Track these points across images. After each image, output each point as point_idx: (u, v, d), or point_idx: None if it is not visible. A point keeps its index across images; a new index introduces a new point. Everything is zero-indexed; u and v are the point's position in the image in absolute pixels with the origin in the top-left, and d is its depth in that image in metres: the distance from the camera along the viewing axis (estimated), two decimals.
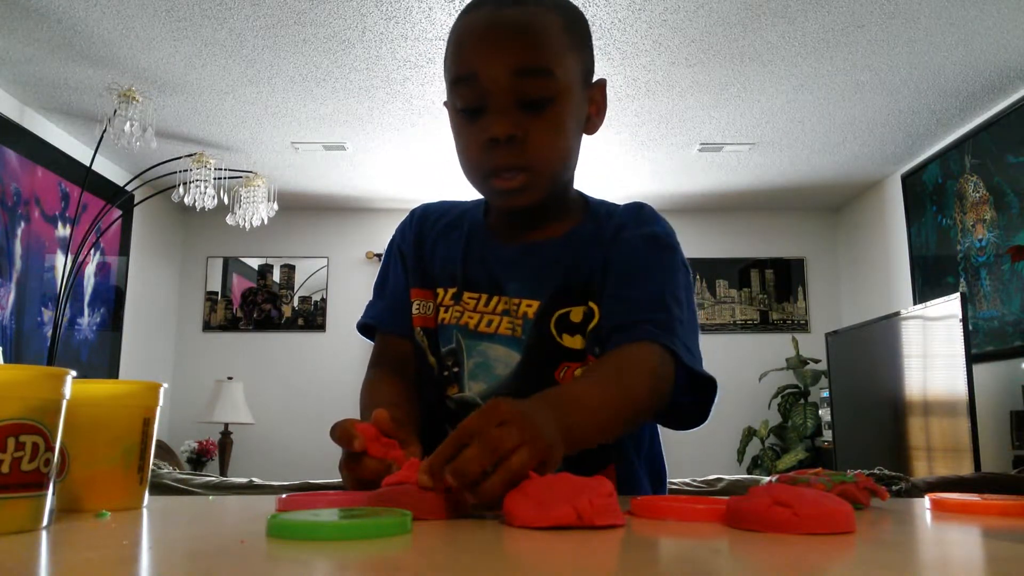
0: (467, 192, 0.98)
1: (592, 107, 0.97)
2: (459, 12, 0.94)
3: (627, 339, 0.89)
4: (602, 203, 1.05)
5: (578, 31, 0.94)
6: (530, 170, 0.90)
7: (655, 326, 0.89)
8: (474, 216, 1.06)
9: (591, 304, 0.95)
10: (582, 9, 2.78)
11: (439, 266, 1.04)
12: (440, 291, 1.02)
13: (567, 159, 0.94)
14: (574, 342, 0.95)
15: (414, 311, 1.03)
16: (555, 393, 0.81)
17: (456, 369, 0.98)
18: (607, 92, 1.00)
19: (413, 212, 1.11)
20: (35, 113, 3.68)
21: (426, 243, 1.06)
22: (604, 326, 0.93)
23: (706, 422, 0.94)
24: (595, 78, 0.99)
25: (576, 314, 0.95)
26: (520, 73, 0.87)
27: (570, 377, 0.95)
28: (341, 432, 0.78)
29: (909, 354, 3.54)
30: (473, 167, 0.93)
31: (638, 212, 1.02)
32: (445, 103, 0.96)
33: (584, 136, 0.99)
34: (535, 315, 0.96)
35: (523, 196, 0.92)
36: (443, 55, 0.95)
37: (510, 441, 0.64)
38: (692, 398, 0.92)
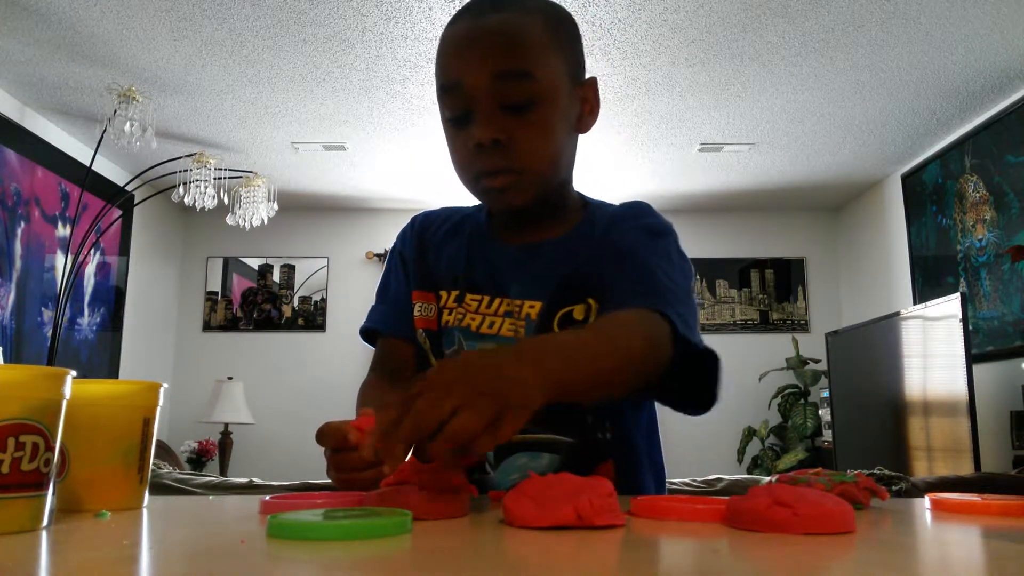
0: (467, 194, 0.99)
1: (585, 106, 0.97)
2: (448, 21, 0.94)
3: (616, 309, 0.86)
4: (601, 204, 1.06)
5: (561, 30, 0.94)
6: (517, 171, 0.90)
7: (645, 297, 0.86)
8: (476, 219, 1.07)
9: (590, 301, 0.95)
10: (582, 10, 2.79)
11: (443, 269, 1.04)
12: (443, 294, 1.03)
13: (556, 159, 0.94)
14: None
15: (416, 313, 1.04)
16: (536, 339, 0.80)
17: None
18: (599, 89, 0.99)
19: (414, 219, 1.12)
20: (35, 113, 3.68)
21: (429, 248, 1.07)
22: (600, 313, 0.93)
23: (716, 404, 0.88)
24: (587, 76, 0.98)
25: (579, 312, 0.96)
26: (500, 77, 0.87)
27: None
28: (331, 431, 0.76)
29: (909, 354, 3.54)
30: (463, 172, 0.94)
31: (633, 207, 1.02)
32: None
33: (580, 134, 0.98)
34: (538, 316, 0.96)
35: (512, 196, 0.92)
36: None
37: (442, 410, 0.60)
38: (695, 375, 0.88)
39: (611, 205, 1.05)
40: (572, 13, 3.20)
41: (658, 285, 0.88)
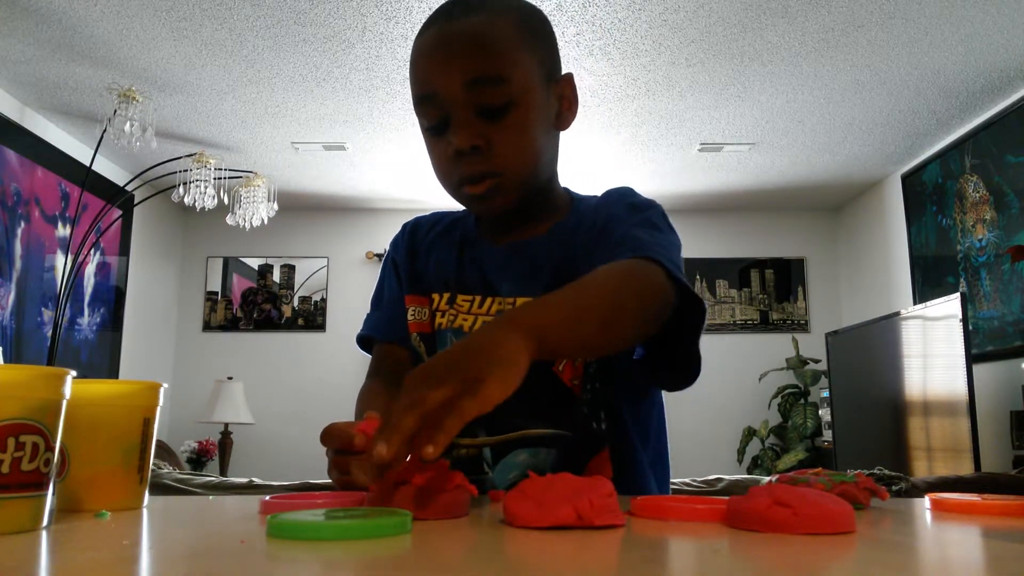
0: None
1: (563, 102, 0.97)
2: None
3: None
4: (587, 198, 1.06)
5: (533, 30, 0.93)
6: (498, 176, 0.91)
7: (631, 252, 0.84)
8: (466, 222, 1.09)
9: None
10: (582, 9, 2.78)
11: (433, 272, 1.06)
12: (435, 296, 1.04)
13: (536, 160, 0.94)
14: None
15: (410, 317, 1.05)
16: (513, 310, 0.79)
17: None
18: (575, 84, 0.99)
19: (405, 225, 1.14)
20: (35, 113, 3.68)
21: (419, 252, 1.09)
22: None
23: (699, 375, 0.87)
24: (565, 71, 0.99)
25: None
26: (473, 84, 0.87)
27: (569, 369, 0.95)
28: (337, 432, 0.77)
29: (909, 354, 3.54)
30: (445, 179, 0.95)
31: (615, 192, 1.03)
32: None
33: (561, 131, 0.99)
34: None
35: (494, 201, 0.93)
36: None
37: (404, 411, 0.59)
38: (681, 331, 0.85)
39: (595, 197, 1.05)
40: (572, 13, 3.17)
41: (640, 241, 0.88)
